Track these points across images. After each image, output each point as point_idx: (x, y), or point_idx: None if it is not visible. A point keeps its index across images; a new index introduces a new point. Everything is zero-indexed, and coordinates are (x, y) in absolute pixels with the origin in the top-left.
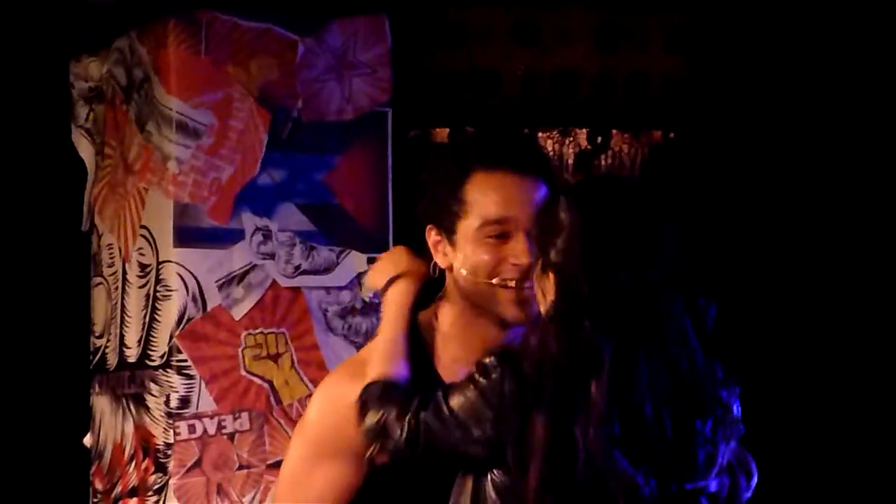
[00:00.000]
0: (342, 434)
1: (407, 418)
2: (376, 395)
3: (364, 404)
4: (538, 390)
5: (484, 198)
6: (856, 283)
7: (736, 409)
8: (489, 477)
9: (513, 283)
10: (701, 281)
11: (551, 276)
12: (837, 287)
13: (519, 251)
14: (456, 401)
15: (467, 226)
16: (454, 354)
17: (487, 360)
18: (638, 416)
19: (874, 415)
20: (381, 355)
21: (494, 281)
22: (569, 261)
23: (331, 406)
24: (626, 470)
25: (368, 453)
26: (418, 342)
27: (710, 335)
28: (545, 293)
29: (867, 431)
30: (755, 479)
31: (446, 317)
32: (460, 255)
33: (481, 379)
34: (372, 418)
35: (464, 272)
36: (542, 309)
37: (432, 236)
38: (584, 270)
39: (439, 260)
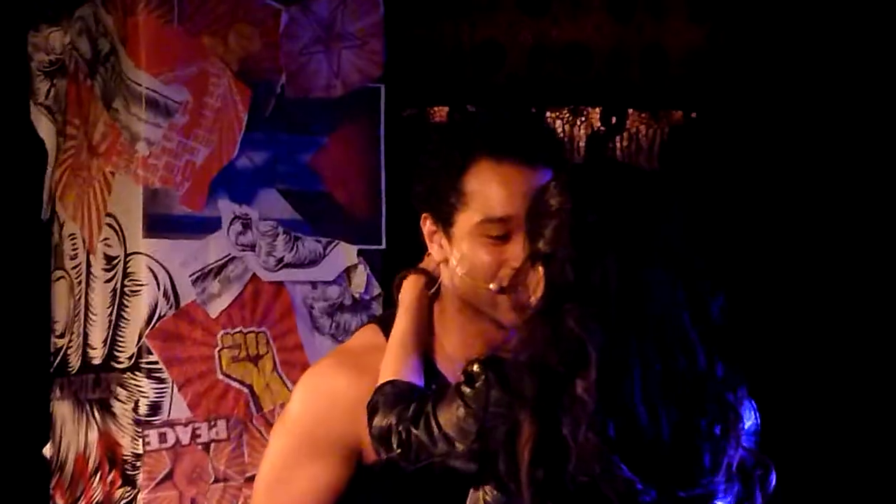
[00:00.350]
0: (329, 429)
1: (400, 429)
2: (386, 398)
3: (374, 406)
4: (523, 391)
5: (487, 191)
6: (890, 278)
7: (747, 412)
8: (482, 498)
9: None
10: (720, 275)
11: (540, 268)
12: (871, 284)
13: (521, 253)
14: (442, 413)
15: (466, 220)
16: (452, 353)
17: (472, 368)
18: (630, 416)
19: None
20: (395, 353)
21: (492, 286)
22: (558, 250)
23: (316, 399)
24: (624, 475)
25: (376, 461)
26: None
27: (718, 329)
28: (534, 288)
29: (879, 433)
30: (773, 483)
31: (443, 313)
32: (457, 252)
33: (466, 388)
34: (379, 422)
35: (460, 272)
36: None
37: (428, 226)
38: (572, 259)
39: (434, 252)
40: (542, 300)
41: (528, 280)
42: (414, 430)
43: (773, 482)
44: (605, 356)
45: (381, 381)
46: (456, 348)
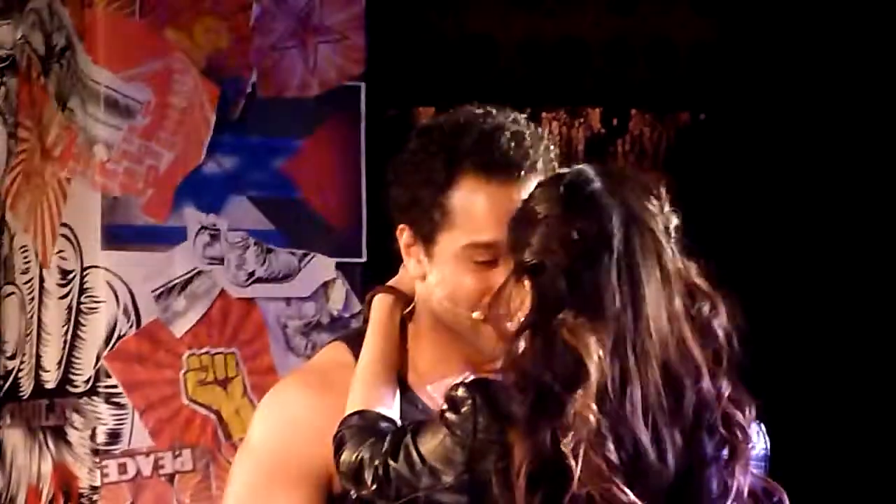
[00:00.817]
0: (298, 457)
1: (376, 463)
2: (354, 431)
3: (341, 440)
4: (514, 412)
5: (474, 212)
6: None
7: (757, 434)
8: None
9: None
10: (728, 290)
11: (526, 282)
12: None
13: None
14: (425, 444)
15: (450, 241)
16: (426, 372)
17: (457, 393)
18: (632, 437)
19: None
20: (363, 381)
21: (475, 315)
22: (547, 259)
23: (281, 423)
24: (628, 499)
25: (344, 492)
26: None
27: (721, 346)
28: (519, 306)
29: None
30: None
31: (416, 330)
32: (437, 272)
33: (451, 415)
34: (348, 457)
35: (440, 294)
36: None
37: (405, 237)
38: (563, 268)
39: (411, 266)
40: (531, 314)
41: (512, 298)
42: (392, 464)
43: None
44: (603, 370)
45: (348, 410)
46: (429, 367)
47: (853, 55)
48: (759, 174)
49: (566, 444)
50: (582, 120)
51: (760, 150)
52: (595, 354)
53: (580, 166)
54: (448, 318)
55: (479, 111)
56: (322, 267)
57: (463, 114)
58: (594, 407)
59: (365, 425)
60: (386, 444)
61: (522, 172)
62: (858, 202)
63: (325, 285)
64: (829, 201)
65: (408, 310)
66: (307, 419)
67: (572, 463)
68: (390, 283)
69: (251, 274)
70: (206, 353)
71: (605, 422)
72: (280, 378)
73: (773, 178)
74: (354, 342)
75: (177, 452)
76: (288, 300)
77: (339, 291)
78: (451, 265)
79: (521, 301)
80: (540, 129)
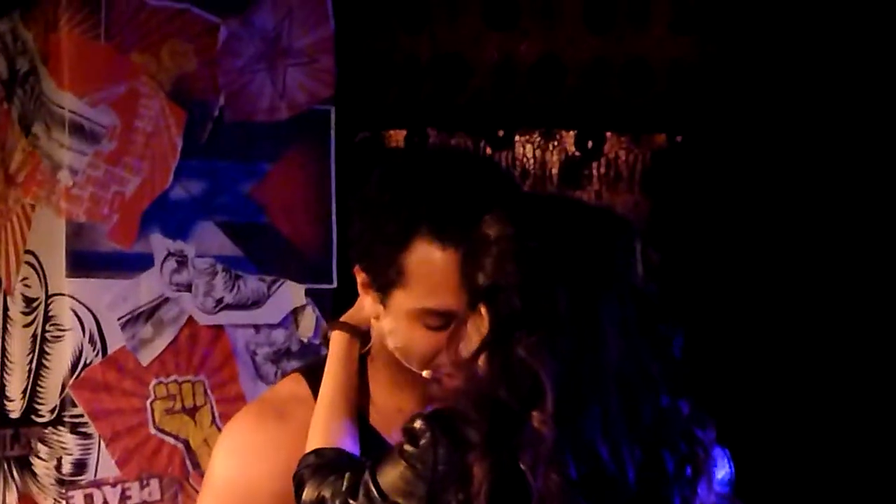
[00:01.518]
0: (258, 489)
1: (337, 502)
2: (312, 469)
3: (301, 479)
4: (471, 435)
5: (428, 279)
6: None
7: (720, 459)
8: None
9: None
10: (700, 314)
11: (482, 308)
12: (866, 324)
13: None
14: (384, 478)
15: (403, 299)
16: (383, 405)
17: (414, 425)
18: (592, 455)
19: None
20: (321, 417)
21: (425, 374)
22: (501, 279)
23: (243, 458)
24: None
25: None
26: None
27: (681, 367)
28: (477, 332)
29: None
30: None
31: (372, 364)
32: (391, 322)
33: (409, 448)
34: (309, 496)
35: (393, 344)
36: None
37: (361, 278)
38: (517, 286)
39: (366, 304)
40: (488, 335)
41: (468, 332)
42: (352, 502)
43: None
44: (560, 387)
45: (307, 448)
46: (387, 400)
47: (834, 76)
48: (736, 197)
49: (525, 462)
50: (556, 142)
51: (738, 173)
52: (551, 371)
53: (534, 193)
54: (402, 359)
55: (446, 157)
56: (292, 293)
57: (426, 162)
58: (552, 423)
59: (323, 463)
60: (345, 482)
61: None
62: (838, 226)
63: (295, 312)
64: (808, 224)
65: (367, 348)
66: (266, 452)
67: (532, 480)
68: (346, 316)
69: (219, 301)
70: (174, 381)
71: (564, 438)
72: None
73: (750, 201)
74: (312, 374)
75: (144, 482)
76: (257, 327)
77: (310, 318)
78: (404, 322)
79: (478, 330)
80: (507, 173)
